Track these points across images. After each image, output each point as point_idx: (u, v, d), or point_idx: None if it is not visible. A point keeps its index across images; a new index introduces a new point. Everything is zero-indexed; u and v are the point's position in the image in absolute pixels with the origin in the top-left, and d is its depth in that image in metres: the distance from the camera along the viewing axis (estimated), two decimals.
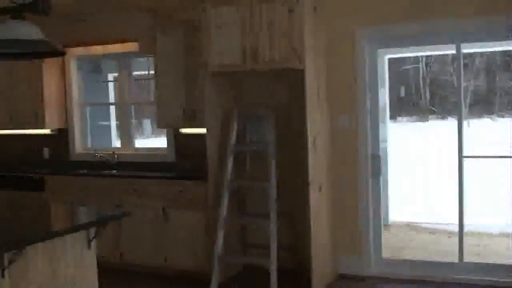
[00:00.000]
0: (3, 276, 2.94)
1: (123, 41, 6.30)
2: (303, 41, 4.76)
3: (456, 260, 5.26)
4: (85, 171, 6.44)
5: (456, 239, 5.32)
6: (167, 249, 5.68)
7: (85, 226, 3.41)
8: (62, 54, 3.07)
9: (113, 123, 7.28)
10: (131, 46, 6.30)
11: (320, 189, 5.15)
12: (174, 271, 5.66)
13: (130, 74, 6.73)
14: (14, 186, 6.50)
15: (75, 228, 3.36)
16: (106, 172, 6.29)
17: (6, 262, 2.93)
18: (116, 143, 7.11)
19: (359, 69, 5.34)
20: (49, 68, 6.67)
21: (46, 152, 7.09)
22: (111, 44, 6.43)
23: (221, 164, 5.40)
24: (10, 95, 6.81)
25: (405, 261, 5.71)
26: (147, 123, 6.90)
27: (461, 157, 5.12)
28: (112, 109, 7.22)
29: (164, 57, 5.82)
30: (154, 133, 6.86)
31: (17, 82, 6.75)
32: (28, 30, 2.83)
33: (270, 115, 5.25)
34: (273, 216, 5.02)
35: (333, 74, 5.38)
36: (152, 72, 6.34)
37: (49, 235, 3.22)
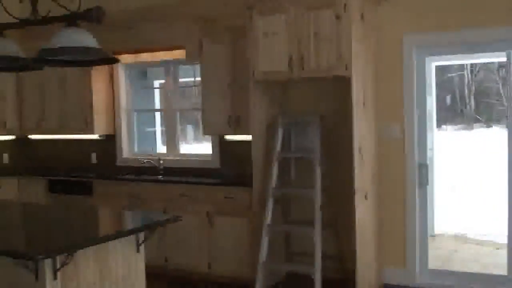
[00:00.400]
0: (55, 278, 3.01)
1: (170, 48, 6.40)
2: (350, 48, 4.73)
3: (505, 272, 5.13)
4: (131, 176, 6.55)
5: (504, 251, 5.19)
6: (212, 255, 5.72)
7: (136, 231, 3.46)
8: (115, 61, 3.13)
9: (158, 129, 7.39)
10: (178, 54, 6.39)
11: (366, 198, 5.11)
12: (218, 277, 5.69)
13: (176, 81, 6.82)
14: (64, 190, 6.68)
15: (125, 232, 3.42)
16: (152, 177, 6.37)
17: (58, 265, 3.00)
18: (161, 148, 7.21)
19: (407, 77, 5.28)
20: (98, 75, 6.83)
21: (94, 157, 7.25)
22: (158, 51, 6.54)
23: (266, 171, 5.42)
24: (62, 102, 7.01)
25: (451, 272, 5.60)
26: (190, 129, 6.98)
27: (511, 167, 4.99)
28: (158, 115, 7.34)
29: (211, 64, 5.89)
30: (197, 139, 6.93)
31: (68, 89, 6.95)
32: (83, 38, 2.91)
33: (316, 122, 5.24)
34: (317, 224, 5.00)
35: (380, 81, 5.34)
36: (198, 79, 6.42)
37: (100, 239, 3.28)
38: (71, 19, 2.95)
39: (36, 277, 2.96)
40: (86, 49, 2.89)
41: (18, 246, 3.25)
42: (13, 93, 7.37)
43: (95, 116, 6.81)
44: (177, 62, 6.64)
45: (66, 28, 2.94)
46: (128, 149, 7.14)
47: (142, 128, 7.30)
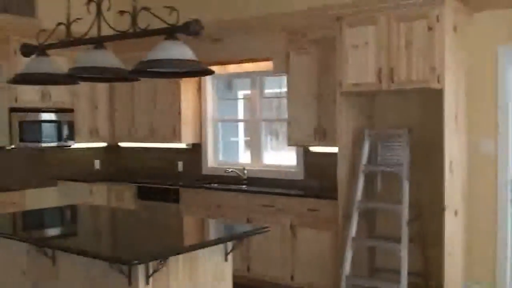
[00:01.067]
0: (147, 283, 3.10)
1: (256, 60, 6.47)
2: (443, 60, 4.61)
3: None
4: (216, 185, 6.66)
5: None
6: (294, 266, 5.71)
7: (225, 240, 3.51)
8: (210, 73, 3.21)
9: (241, 138, 7.48)
10: (264, 65, 6.46)
11: (455, 214, 4.94)
12: None
13: (261, 92, 6.88)
14: (152, 196, 6.88)
15: (215, 241, 3.47)
16: (236, 187, 6.45)
17: (151, 270, 3.09)
18: (243, 158, 7.28)
19: (501, 90, 5.08)
20: (186, 86, 7.01)
21: (180, 165, 7.44)
22: (245, 63, 6.63)
23: (351, 184, 5.35)
24: (152, 111, 7.26)
25: None
26: (270, 139, 7.02)
27: None
28: (241, 125, 7.43)
29: (297, 76, 5.90)
30: (278, 149, 6.95)
31: (158, 99, 7.19)
32: (182, 50, 3.00)
33: (404, 135, 5.13)
34: (404, 239, 4.87)
35: (472, 94, 5.16)
36: (284, 90, 6.46)
37: (191, 247, 3.35)
38: (170, 32, 3.05)
39: (129, 282, 3.05)
40: (186, 61, 2.98)
41: (113, 251, 3.37)
42: (105, 102, 7.71)
43: (183, 126, 7.00)
44: (263, 73, 6.71)
45: (165, 42, 3.04)
46: (213, 158, 7.27)
47: (226, 138, 7.41)
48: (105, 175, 7.84)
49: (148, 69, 3.20)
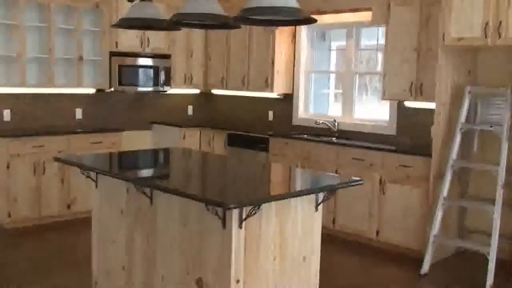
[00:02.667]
0: (240, 227, 3.18)
1: (355, 10, 6.31)
2: None
3: None
4: (305, 136, 6.66)
5: None
6: (381, 222, 5.68)
7: (317, 190, 3.53)
8: (313, 22, 3.16)
9: (332, 91, 7.40)
10: (362, 16, 6.30)
11: None
12: (386, 245, 5.65)
13: (357, 44, 6.73)
14: (241, 144, 7.00)
15: (308, 191, 3.49)
16: (326, 139, 6.43)
17: (244, 215, 3.16)
18: (334, 111, 7.21)
19: None
20: (281, 36, 6.98)
21: (271, 115, 7.50)
22: (342, 13, 6.48)
23: (446, 142, 5.21)
24: (245, 60, 7.30)
25: None
26: (362, 93, 6.88)
27: None
28: (332, 77, 7.34)
29: (397, 28, 5.72)
30: (368, 103, 6.81)
31: (252, 48, 7.21)
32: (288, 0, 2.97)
33: (508, 94, 4.89)
34: (498, 202, 4.73)
35: None
36: (381, 42, 6.29)
37: (285, 195, 3.40)
38: None
39: (224, 224, 3.14)
40: (290, 9, 2.94)
41: (209, 194, 3.47)
42: (201, 50, 7.83)
43: (275, 76, 7.00)
44: (360, 24, 6.54)
45: None
46: (304, 110, 7.25)
47: (316, 90, 7.35)
48: (197, 121, 8.04)
49: (251, 17, 3.19)
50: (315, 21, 3.17)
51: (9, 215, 5.97)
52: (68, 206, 6.36)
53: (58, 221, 6.30)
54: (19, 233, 5.93)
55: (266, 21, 3.42)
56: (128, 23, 3.98)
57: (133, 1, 4.10)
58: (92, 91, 7.05)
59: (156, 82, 7.30)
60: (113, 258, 4.10)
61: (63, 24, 6.64)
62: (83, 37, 6.75)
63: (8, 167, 5.92)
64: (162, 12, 4.27)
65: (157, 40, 7.25)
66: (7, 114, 6.48)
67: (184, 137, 7.40)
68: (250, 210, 3.14)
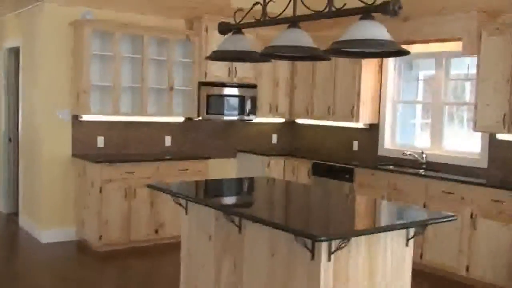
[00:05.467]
0: (329, 259, 3.16)
1: (444, 40, 6.19)
2: None
3: None
4: (392, 167, 6.55)
5: None
6: (471, 259, 5.46)
7: (408, 225, 3.46)
8: (406, 53, 3.13)
9: (419, 121, 7.24)
10: (451, 46, 6.16)
11: None
12: (476, 282, 5.43)
13: (447, 73, 6.58)
14: (326, 174, 6.98)
15: (399, 226, 3.43)
16: (413, 170, 6.29)
17: (333, 248, 3.14)
18: (420, 142, 7.04)
19: None
20: (367, 65, 6.95)
21: (355, 144, 7.44)
22: (431, 43, 6.37)
23: None
24: (331, 90, 7.31)
25: None
26: (450, 124, 6.69)
27: None
28: (418, 107, 7.20)
29: (489, 58, 5.56)
30: (457, 135, 6.60)
31: (338, 78, 7.22)
32: (379, 31, 2.97)
33: None
34: None
35: None
36: (471, 72, 6.12)
37: (375, 229, 3.35)
38: (367, 12, 3.03)
39: (312, 256, 3.13)
40: (383, 42, 2.94)
41: (298, 225, 3.47)
42: (286, 79, 7.92)
43: (361, 105, 6.96)
44: (449, 54, 6.41)
45: (362, 21, 3.03)
46: (390, 140, 7.14)
47: (402, 120, 7.23)
48: (281, 150, 8.10)
49: (343, 49, 3.21)
50: (407, 53, 3.14)
51: (100, 238, 6.21)
52: (156, 231, 6.54)
53: (146, 245, 6.48)
54: (108, 255, 6.15)
55: (357, 53, 3.43)
56: (221, 56, 4.09)
57: (225, 33, 4.22)
58: (181, 119, 7.27)
59: (242, 111, 7.43)
60: (200, 284, 4.17)
61: (155, 55, 6.92)
62: (173, 67, 7.00)
63: (100, 191, 6.17)
64: (252, 43, 4.38)
65: (244, 70, 7.40)
66: (100, 141, 6.79)
67: (268, 165, 7.46)
68: (339, 243, 3.12)
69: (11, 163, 7.95)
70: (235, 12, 4.12)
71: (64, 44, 6.50)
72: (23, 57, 7.17)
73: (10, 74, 7.86)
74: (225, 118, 7.39)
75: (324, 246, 3.12)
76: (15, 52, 7.60)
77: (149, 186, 4.45)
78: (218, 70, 7.16)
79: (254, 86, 7.58)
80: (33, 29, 6.78)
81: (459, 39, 5.91)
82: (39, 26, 6.57)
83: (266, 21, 3.80)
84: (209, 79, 7.15)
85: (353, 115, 7.01)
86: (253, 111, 7.53)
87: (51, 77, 6.48)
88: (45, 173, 6.53)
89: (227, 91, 7.33)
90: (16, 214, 7.58)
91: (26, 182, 7.15)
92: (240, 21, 4.05)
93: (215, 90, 7.22)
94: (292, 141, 8.39)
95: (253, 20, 3.94)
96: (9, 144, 7.93)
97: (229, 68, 7.25)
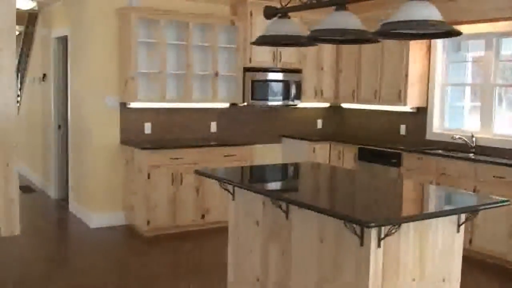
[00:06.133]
0: (379, 246, 3.12)
1: (494, 20, 5.99)
2: None
3: None
4: (440, 151, 6.41)
5: None
6: None
7: (459, 211, 3.38)
8: (458, 34, 3.04)
9: (467, 104, 7.05)
10: (502, 26, 5.97)
11: None
12: None
13: (498, 54, 6.38)
14: (372, 158, 6.89)
15: (450, 211, 3.36)
16: (463, 155, 6.14)
17: (383, 234, 3.09)
18: (469, 125, 6.86)
19: None
20: (415, 47, 6.79)
21: (403, 128, 7.31)
22: (480, 23, 6.18)
23: None
24: (377, 73, 7.20)
25: None
26: (502, 106, 6.48)
27: None
28: (467, 89, 7.01)
29: None
30: (507, 118, 6.39)
31: (384, 60, 7.10)
32: (430, 11, 2.89)
33: None
34: None
35: None
36: None
37: (425, 215, 3.29)
38: None
39: (361, 242, 3.10)
40: (435, 22, 2.87)
41: (347, 210, 3.43)
42: (331, 63, 7.83)
43: (409, 88, 6.82)
44: (500, 34, 6.20)
45: (411, 1, 2.95)
46: (439, 124, 6.99)
47: (450, 103, 7.05)
48: (326, 135, 8.04)
49: (394, 31, 3.14)
50: (460, 33, 3.05)
51: (148, 223, 6.31)
52: (203, 216, 6.60)
53: (193, 230, 6.55)
54: (156, 240, 6.25)
55: (406, 34, 3.35)
56: (267, 40, 4.06)
57: (270, 18, 4.18)
58: (226, 105, 7.29)
59: (286, 96, 7.40)
60: (248, 269, 4.18)
61: (200, 42, 6.94)
62: (218, 53, 7.01)
63: (148, 177, 6.26)
64: (298, 27, 4.33)
65: (289, 55, 7.36)
66: (147, 127, 6.88)
67: (314, 151, 7.41)
68: (389, 229, 3.07)
69: (60, 150, 8.14)
70: None
71: (111, 32, 6.58)
72: (71, 45, 7.30)
73: (59, 63, 8.02)
74: (270, 103, 7.37)
75: (373, 232, 3.08)
76: (63, 41, 7.75)
77: (196, 172, 4.48)
78: (262, 55, 7.14)
79: (298, 71, 7.52)
80: (80, 17, 6.89)
81: (509, 19, 5.71)
82: (86, 14, 6.67)
83: (312, 3, 3.75)
84: (253, 64, 7.14)
85: (400, 98, 6.88)
86: (298, 96, 7.49)
87: (98, 64, 6.59)
88: (94, 160, 6.66)
89: (271, 76, 7.30)
90: (66, 200, 7.78)
91: (76, 168, 7.31)
92: (286, 5, 4.01)
93: (260, 76, 7.21)
94: (338, 126, 8.31)
95: (298, 3, 3.89)
96: (59, 132, 8.12)
97: (273, 53, 7.22)
